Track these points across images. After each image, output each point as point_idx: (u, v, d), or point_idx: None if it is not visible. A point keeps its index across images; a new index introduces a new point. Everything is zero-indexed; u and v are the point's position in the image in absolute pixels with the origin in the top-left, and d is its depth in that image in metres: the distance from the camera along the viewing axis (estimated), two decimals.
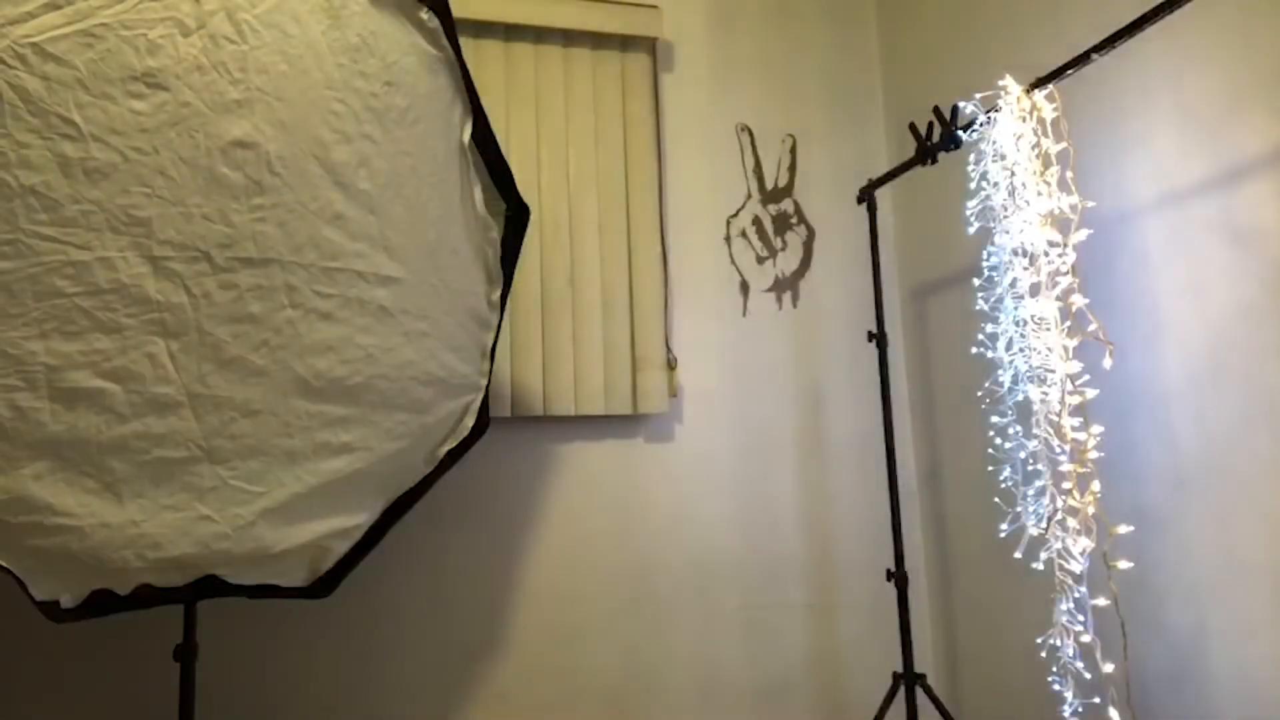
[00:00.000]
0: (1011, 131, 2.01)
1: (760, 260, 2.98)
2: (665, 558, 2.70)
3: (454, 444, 2.18)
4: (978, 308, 2.12)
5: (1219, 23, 1.90)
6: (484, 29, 2.68)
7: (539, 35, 2.76)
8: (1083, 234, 1.90)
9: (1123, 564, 1.81)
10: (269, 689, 2.30)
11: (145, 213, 1.64)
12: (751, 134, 3.01)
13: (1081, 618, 1.83)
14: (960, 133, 2.18)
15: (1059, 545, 1.88)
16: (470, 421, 2.21)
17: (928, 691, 2.34)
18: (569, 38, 2.80)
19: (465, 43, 2.28)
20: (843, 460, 2.91)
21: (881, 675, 2.75)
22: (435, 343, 2.04)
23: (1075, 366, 1.88)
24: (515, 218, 2.31)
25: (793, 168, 3.04)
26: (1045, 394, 1.92)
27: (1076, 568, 1.83)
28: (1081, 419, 1.87)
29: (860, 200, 2.59)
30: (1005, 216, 2.02)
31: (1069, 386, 1.88)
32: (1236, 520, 1.85)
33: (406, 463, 2.08)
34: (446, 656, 2.46)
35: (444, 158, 2.10)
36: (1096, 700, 1.81)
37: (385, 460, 1.98)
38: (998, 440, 2.08)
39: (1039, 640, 1.94)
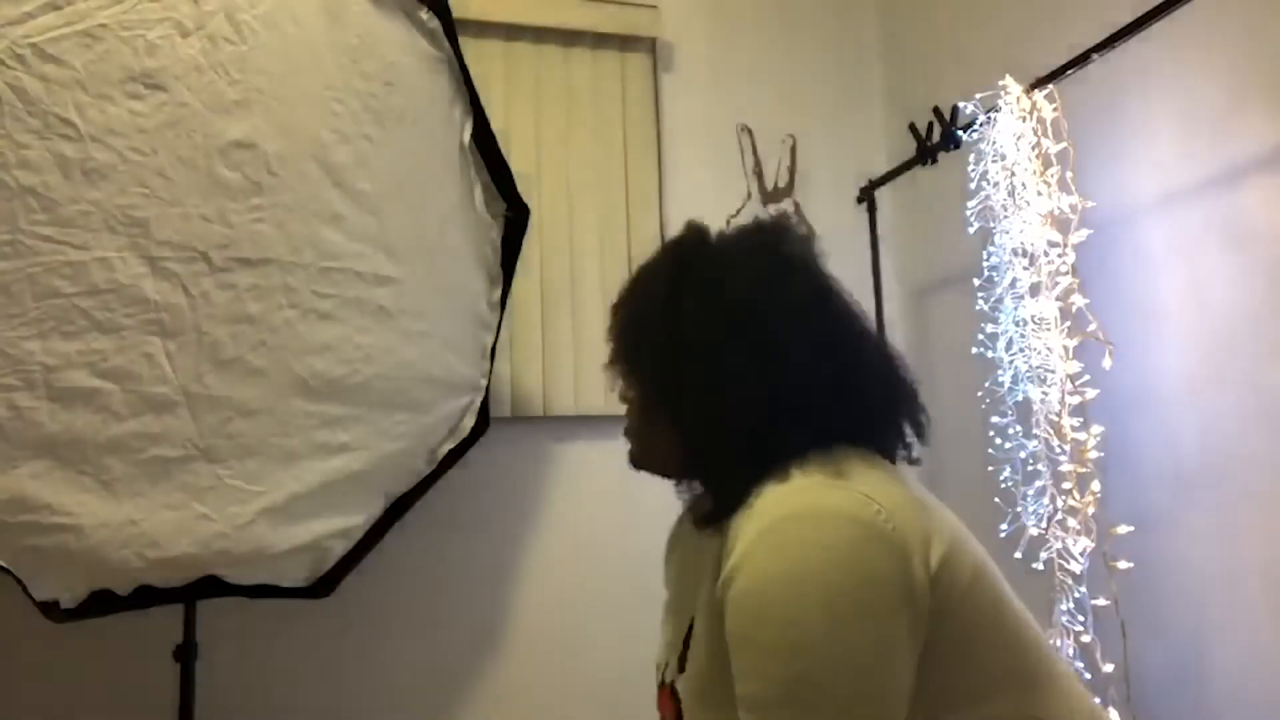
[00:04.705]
0: (1011, 131, 2.01)
1: None
2: None
3: (454, 444, 2.18)
4: (978, 308, 2.12)
5: (1219, 22, 1.89)
6: (484, 29, 2.68)
7: (539, 35, 2.76)
8: (1083, 234, 1.90)
9: (1123, 564, 1.81)
10: (269, 689, 2.30)
11: (143, 213, 1.64)
12: (751, 134, 3.01)
13: (1081, 618, 1.83)
14: (960, 133, 2.19)
15: (1059, 545, 1.88)
16: (470, 421, 2.21)
17: None
18: (569, 38, 2.79)
19: (465, 43, 2.27)
20: None
21: None
22: (435, 343, 2.04)
23: (1075, 366, 1.88)
24: (515, 218, 2.30)
25: (793, 168, 3.04)
26: (1045, 394, 1.92)
27: (1076, 568, 1.83)
28: (1081, 419, 1.87)
29: (860, 200, 2.59)
30: (1005, 216, 2.02)
31: (1069, 386, 1.88)
32: (1236, 520, 1.84)
33: (406, 463, 2.08)
34: (446, 656, 2.46)
35: (444, 158, 2.10)
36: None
37: (385, 460, 1.98)
38: (998, 440, 2.07)
39: None
